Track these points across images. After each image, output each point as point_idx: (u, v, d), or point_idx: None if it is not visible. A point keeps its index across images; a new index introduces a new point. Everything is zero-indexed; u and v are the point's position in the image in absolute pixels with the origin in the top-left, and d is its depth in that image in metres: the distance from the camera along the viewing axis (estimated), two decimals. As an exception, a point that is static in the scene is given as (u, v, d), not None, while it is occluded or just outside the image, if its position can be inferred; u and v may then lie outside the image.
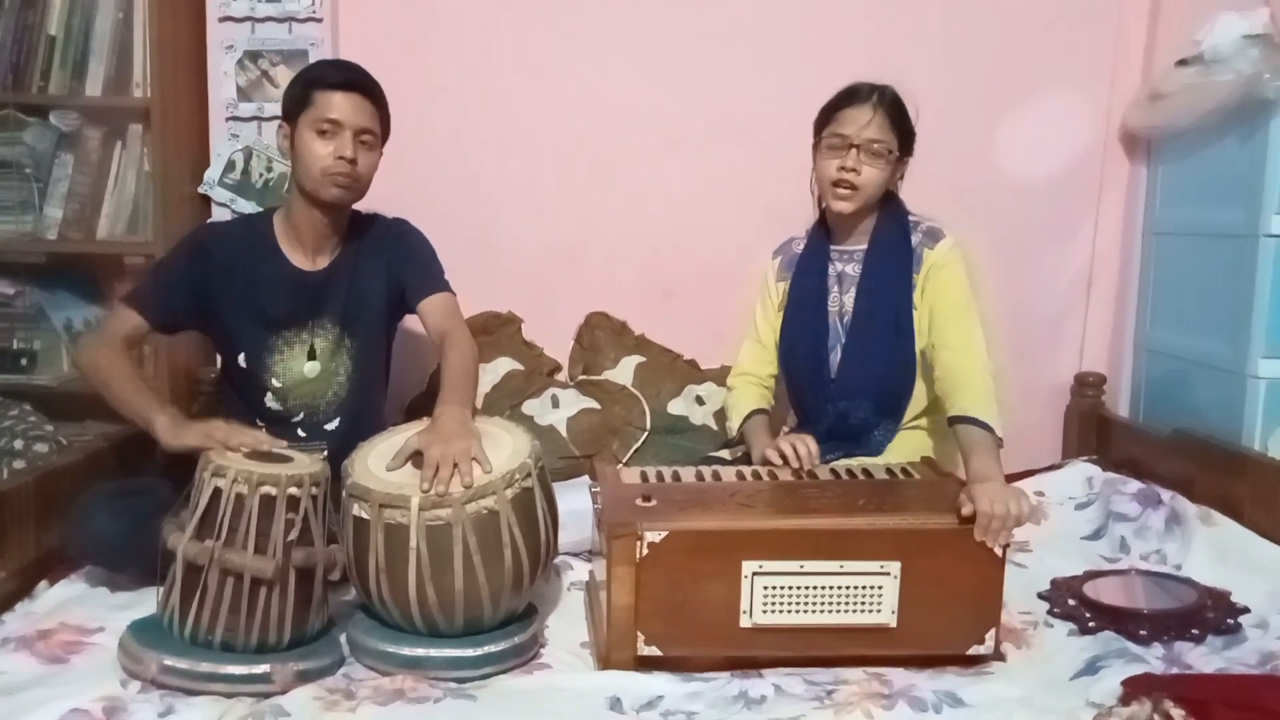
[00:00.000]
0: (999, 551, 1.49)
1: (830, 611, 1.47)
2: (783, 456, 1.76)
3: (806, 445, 1.77)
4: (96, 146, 2.32)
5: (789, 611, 1.47)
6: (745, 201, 2.42)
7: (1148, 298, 2.42)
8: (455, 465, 1.49)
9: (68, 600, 1.67)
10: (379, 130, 1.85)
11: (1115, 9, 2.40)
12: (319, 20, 2.32)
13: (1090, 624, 1.63)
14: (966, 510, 1.50)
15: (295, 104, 1.80)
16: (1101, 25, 2.40)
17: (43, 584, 1.71)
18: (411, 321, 2.05)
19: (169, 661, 1.38)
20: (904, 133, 1.89)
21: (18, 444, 1.98)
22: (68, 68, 2.27)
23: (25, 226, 2.29)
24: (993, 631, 1.50)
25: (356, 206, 1.93)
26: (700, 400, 2.39)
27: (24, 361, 2.32)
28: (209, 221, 2.30)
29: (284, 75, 2.32)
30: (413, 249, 1.94)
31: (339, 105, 1.78)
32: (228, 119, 2.36)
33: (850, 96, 1.87)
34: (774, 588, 1.47)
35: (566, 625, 1.66)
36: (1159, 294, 2.39)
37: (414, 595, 1.47)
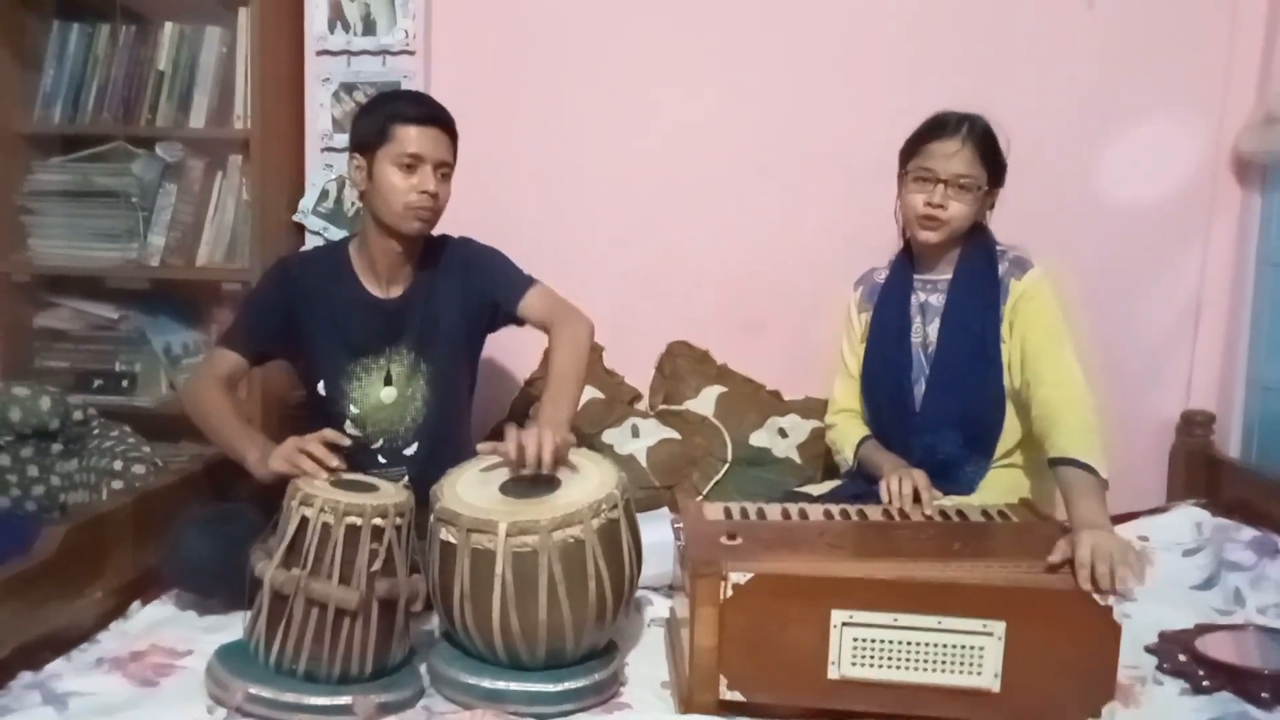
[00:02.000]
0: (1104, 602, 1.38)
1: (926, 669, 1.39)
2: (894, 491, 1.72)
3: (915, 483, 1.71)
4: (199, 176, 2.41)
5: (880, 666, 1.40)
6: (830, 231, 2.37)
7: (1261, 331, 2.29)
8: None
9: (160, 621, 1.70)
10: (453, 161, 1.87)
11: (1227, 28, 2.28)
12: (412, 53, 2.37)
13: (1205, 683, 1.52)
14: (1055, 557, 1.41)
15: (373, 137, 1.81)
16: (1213, 45, 2.29)
17: (136, 604, 1.75)
18: (492, 349, 2.06)
19: (254, 690, 1.40)
20: (994, 165, 1.83)
21: (117, 465, 2.04)
22: (174, 101, 2.37)
23: (130, 254, 2.38)
24: (1110, 705, 1.39)
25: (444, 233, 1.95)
26: (783, 432, 2.34)
27: (125, 384, 2.41)
28: (286, 254, 2.36)
29: (378, 107, 2.37)
30: (488, 264, 1.95)
31: (420, 140, 1.80)
32: (323, 149, 2.42)
33: (938, 128, 1.82)
34: (865, 640, 1.40)
35: (647, 663, 1.63)
36: (1274, 327, 2.26)
37: (498, 624, 1.46)
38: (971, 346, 1.85)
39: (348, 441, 1.68)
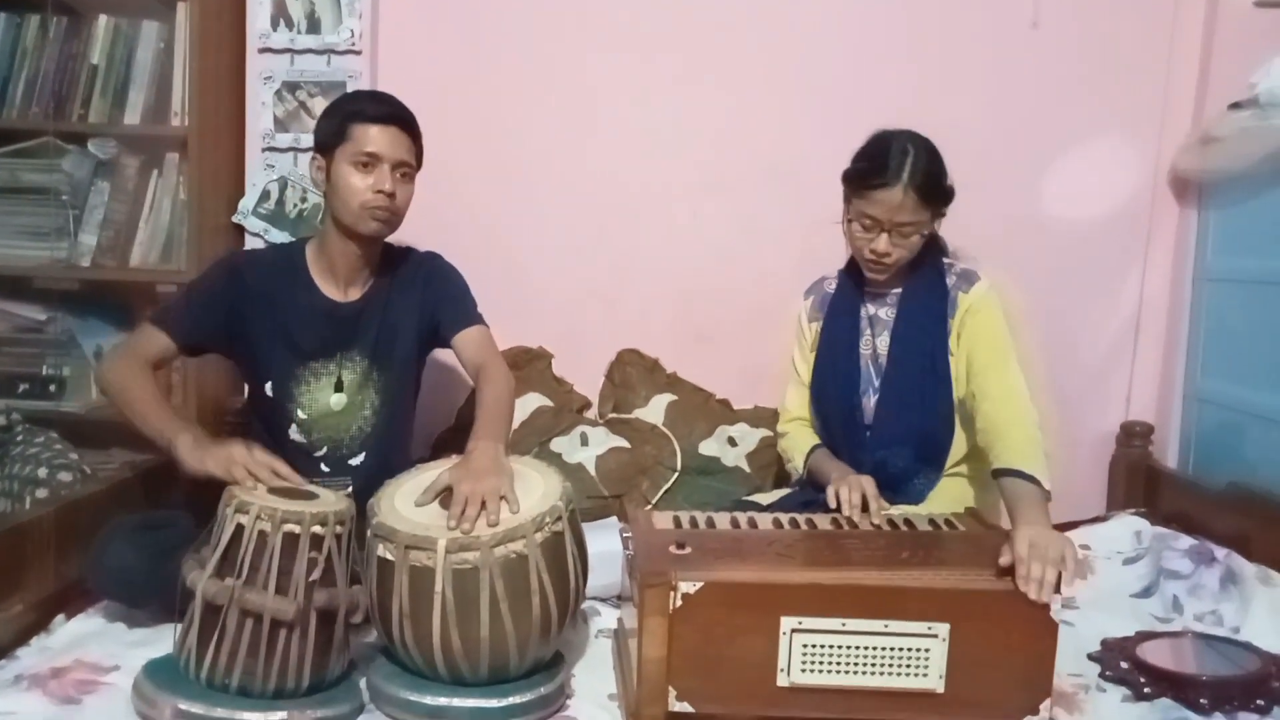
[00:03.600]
0: (1040, 598, 1.38)
1: (873, 673, 1.40)
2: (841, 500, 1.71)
3: (864, 490, 1.71)
4: (133, 175, 2.33)
5: (829, 671, 1.40)
6: (780, 244, 2.38)
7: (1199, 346, 2.34)
8: (483, 504, 1.45)
9: (84, 636, 1.63)
10: (415, 162, 1.84)
11: (1165, 51, 2.35)
12: (358, 53, 2.33)
13: (1146, 690, 1.55)
14: (1004, 560, 1.42)
15: (331, 137, 1.79)
16: (1151, 68, 2.35)
17: (59, 618, 1.68)
18: (440, 354, 2.02)
19: (184, 706, 1.34)
20: (938, 200, 1.82)
21: (42, 472, 1.96)
22: (108, 96, 2.29)
23: (60, 253, 2.29)
24: (1047, 703, 1.41)
25: (389, 239, 1.91)
26: (733, 441, 2.33)
27: (53, 388, 2.31)
28: (244, 249, 2.29)
29: (321, 107, 2.30)
30: (446, 284, 1.92)
31: (377, 139, 1.77)
32: (264, 149, 2.36)
33: (879, 173, 1.77)
34: (814, 646, 1.40)
35: (594, 675, 1.61)
36: (1211, 342, 2.31)
37: (438, 642, 1.42)
38: (921, 362, 1.86)
39: (298, 482, 1.60)
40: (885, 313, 1.91)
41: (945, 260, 1.91)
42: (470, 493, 1.46)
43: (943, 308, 1.86)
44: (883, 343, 1.90)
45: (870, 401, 1.90)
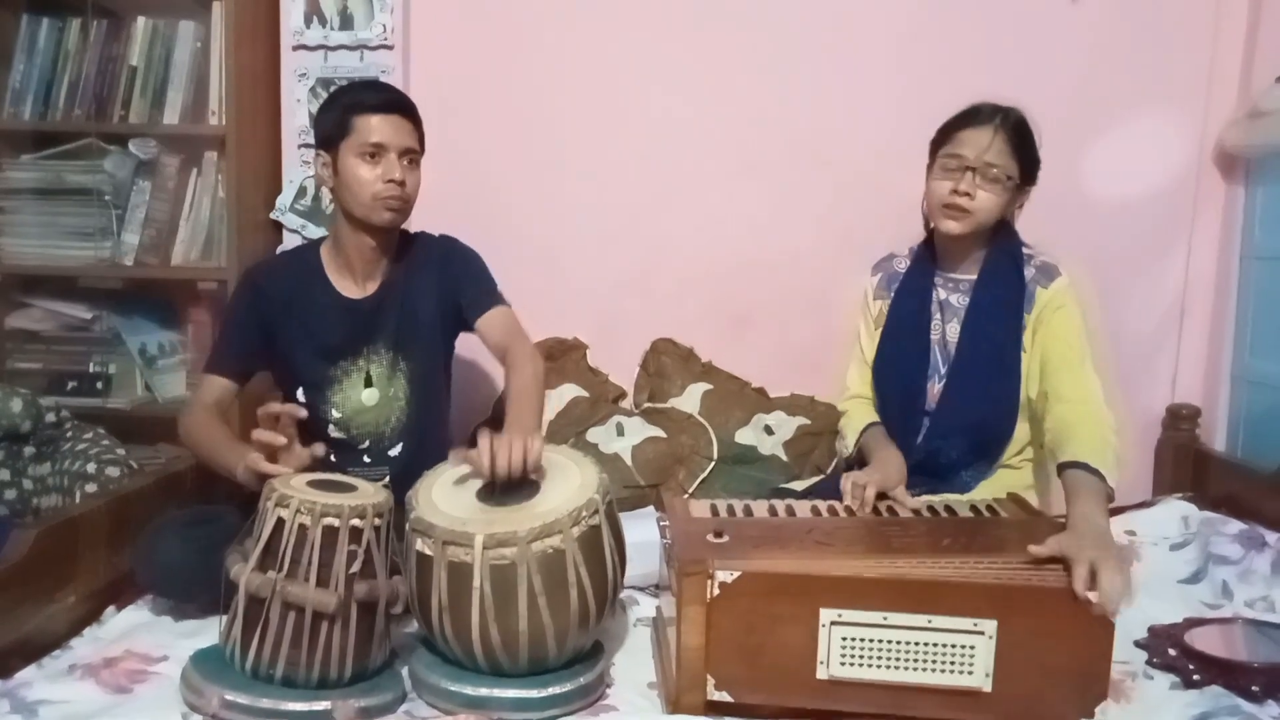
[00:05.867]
0: (1110, 614, 1.34)
1: (916, 669, 1.37)
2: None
3: (870, 486, 1.67)
4: (173, 174, 2.37)
5: (870, 665, 1.37)
6: (816, 228, 2.36)
7: (1246, 326, 2.29)
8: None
9: (135, 627, 1.67)
10: (419, 147, 1.83)
11: (1210, 24, 2.28)
12: (390, 48, 2.34)
13: (1195, 677, 1.51)
14: (1044, 551, 1.37)
15: (334, 130, 1.77)
16: (1196, 41, 2.28)
17: (110, 609, 1.72)
18: (473, 349, 2.02)
19: (230, 696, 1.36)
20: (1026, 160, 1.79)
21: (90, 467, 2.00)
22: (148, 97, 2.32)
23: (104, 253, 2.33)
24: (1103, 705, 1.37)
25: (401, 227, 1.90)
26: (769, 430, 2.32)
27: (99, 385, 2.36)
28: (259, 261, 2.30)
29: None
30: (463, 265, 1.91)
31: (381, 128, 1.76)
32: (300, 146, 2.38)
33: (971, 117, 1.78)
34: (854, 639, 1.37)
35: (633, 664, 1.61)
36: (1259, 322, 2.26)
37: (477, 635, 1.43)
38: (991, 354, 1.81)
39: (304, 414, 1.62)
40: (958, 299, 1.86)
41: (1025, 251, 1.84)
42: (497, 443, 1.48)
43: (1019, 301, 1.80)
44: (953, 330, 1.85)
45: (935, 387, 1.86)
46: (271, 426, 1.56)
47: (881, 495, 1.70)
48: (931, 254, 1.91)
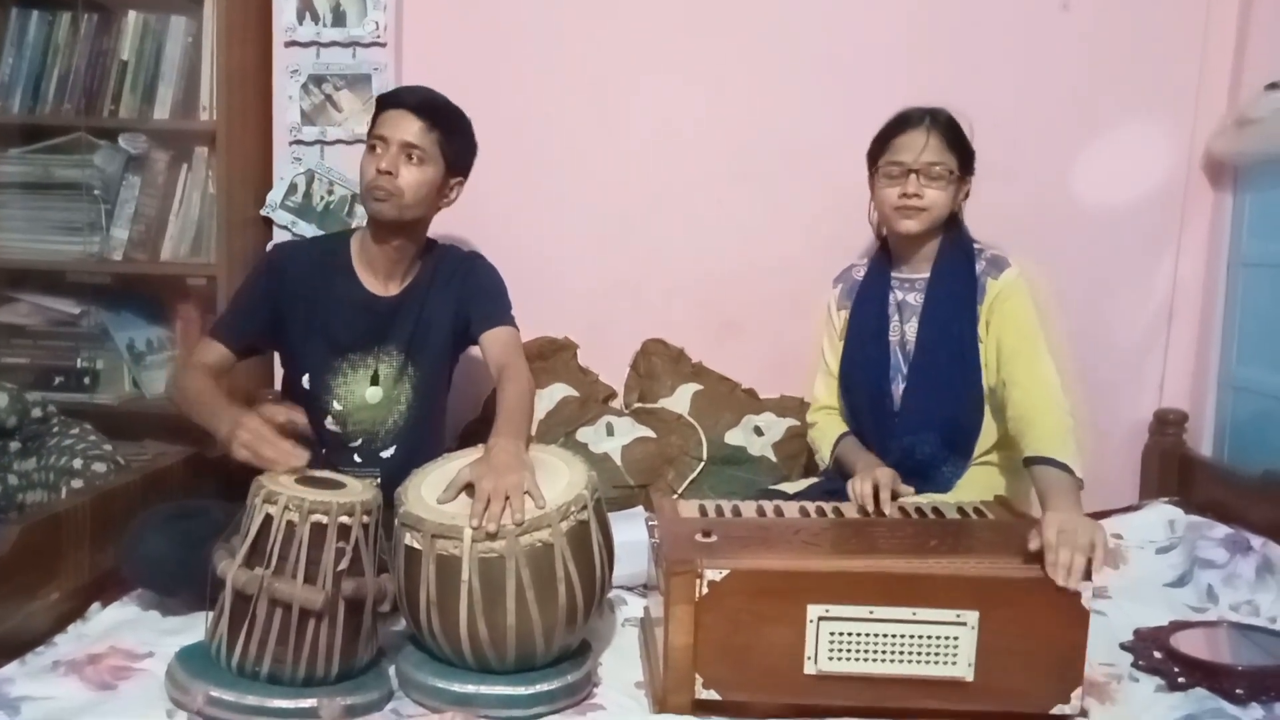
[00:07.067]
0: (1068, 584, 1.36)
1: (901, 661, 1.39)
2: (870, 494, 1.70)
3: (878, 485, 1.70)
4: (163, 169, 2.35)
5: (857, 660, 1.39)
6: (806, 231, 2.36)
7: (1233, 332, 2.30)
8: (507, 499, 1.45)
9: (119, 623, 1.66)
10: (429, 148, 1.81)
11: (1199, 32, 2.30)
12: (383, 45, 2.33)
13: (1180, 679, 1.52)
14: (1033, 545, 1.41)
15: (369, 127, 1.84)
16: (1185, 48, 2.30)
17: (95, 605, 1.70)
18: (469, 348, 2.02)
19: (215, 693, 1.36)
20: (962, 152, 1.84)
21: (76, 463, 1.99)
22: (138, 92, 2.31)
23: (92, 247, 2.32)
24: (1078, 691, 1.39)
25: (431, 235, 1.92)
26: (759, 431, 2.32)
27: (86, 380, 2.34)
28: (282, 241, 2.30)
29: (347, 99, 2.34)
30: (482, 282, 1.93)
31: (384, 121, 1.80)
32: (291, 142, 2.37)
33: (903, 123, 1.85)
34: (841, 634, 1.39)
35: (621, 663, 1.61)
36: (1246, 328, 2.27)
37: (465, 630, 1.42)
38: (950, 347, 1.85)
39: (304, 420, 1.64)
40: (914, 299, 1.90)
41: (975, 245, 1.89)
42: (493, 489, 1.45)
43: (972, 294, 1.84)
44: (911, 329, 1.89)
45: (898, 388, 1.89)
46: (286, 454, 1.56)
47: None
48: (886, 258, 1.96)
